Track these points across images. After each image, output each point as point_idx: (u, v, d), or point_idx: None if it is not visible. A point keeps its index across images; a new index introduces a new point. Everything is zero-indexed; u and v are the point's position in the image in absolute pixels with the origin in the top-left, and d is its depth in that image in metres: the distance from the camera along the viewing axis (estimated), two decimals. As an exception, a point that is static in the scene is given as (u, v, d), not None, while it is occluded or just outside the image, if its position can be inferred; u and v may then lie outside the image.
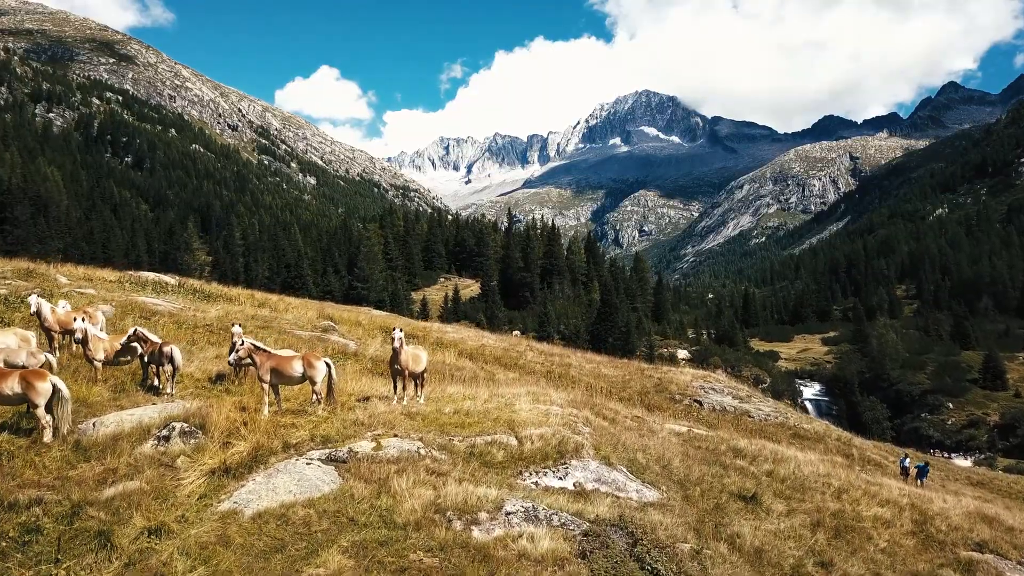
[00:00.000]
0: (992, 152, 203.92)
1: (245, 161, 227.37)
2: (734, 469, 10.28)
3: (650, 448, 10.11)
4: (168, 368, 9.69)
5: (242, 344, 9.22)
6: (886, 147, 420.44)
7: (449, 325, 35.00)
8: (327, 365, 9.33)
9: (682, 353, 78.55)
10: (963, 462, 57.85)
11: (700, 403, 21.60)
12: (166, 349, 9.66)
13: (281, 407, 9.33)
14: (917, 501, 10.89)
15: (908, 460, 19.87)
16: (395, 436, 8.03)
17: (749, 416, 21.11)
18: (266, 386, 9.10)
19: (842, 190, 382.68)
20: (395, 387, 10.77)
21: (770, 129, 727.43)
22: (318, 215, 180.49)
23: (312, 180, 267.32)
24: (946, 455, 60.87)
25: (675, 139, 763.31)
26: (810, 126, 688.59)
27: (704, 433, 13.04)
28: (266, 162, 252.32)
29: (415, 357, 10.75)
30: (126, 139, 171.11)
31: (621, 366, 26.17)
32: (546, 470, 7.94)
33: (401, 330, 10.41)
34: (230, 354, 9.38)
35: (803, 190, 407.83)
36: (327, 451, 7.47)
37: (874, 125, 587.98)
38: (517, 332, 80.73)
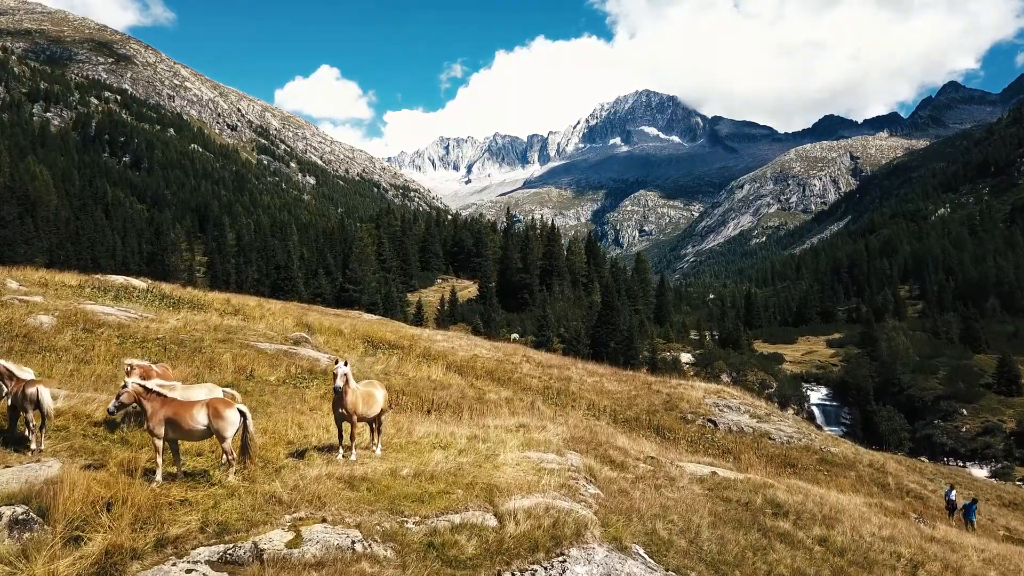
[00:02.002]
0: (994, 151, 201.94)
1: (244, 161, 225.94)
2: (778, 536, 8.06)
3: (671, 510, 7.89)
4: (34, 415, 7.40)
5: (125, 387, 6.91)
6: (887, 147, 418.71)
7: (440, 332, 32.81)
8: (241, 415, 7.00)
9: (685, 357, 76.29)
10: (979, 471, 55.60)
11: (715, 423, 19.39)
12: (30, 391, 7.33)
13: (180, 469, 7.04)
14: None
15: (954, 492, 17.68)
16: (323, 521, 5.77)
17: (770, 438, 18.89)
18: (158, 443, 6.80)
19: (843, 190, 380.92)
20: (340, 437, 8.44)
21: (770, 129, 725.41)
22: (317, 215, 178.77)
23: (311, 180, 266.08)
24: (961, 464, 58.67)
25: (675, 139, 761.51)
26: (810, 126, 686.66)
27: (731, 476, 10.84)
28: (265, 162, 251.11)
29: (367, 398, 8.42)
30: (124, 139, 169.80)
31: (626, 379, 23.93)
32: (535, 566, 5.71)
33: (346, 363, 8.11)
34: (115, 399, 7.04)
35: (804, 190, 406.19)
36: (221, 548, 5.22)
37: (875, 125, 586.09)
38: (515, 335, 78.46)
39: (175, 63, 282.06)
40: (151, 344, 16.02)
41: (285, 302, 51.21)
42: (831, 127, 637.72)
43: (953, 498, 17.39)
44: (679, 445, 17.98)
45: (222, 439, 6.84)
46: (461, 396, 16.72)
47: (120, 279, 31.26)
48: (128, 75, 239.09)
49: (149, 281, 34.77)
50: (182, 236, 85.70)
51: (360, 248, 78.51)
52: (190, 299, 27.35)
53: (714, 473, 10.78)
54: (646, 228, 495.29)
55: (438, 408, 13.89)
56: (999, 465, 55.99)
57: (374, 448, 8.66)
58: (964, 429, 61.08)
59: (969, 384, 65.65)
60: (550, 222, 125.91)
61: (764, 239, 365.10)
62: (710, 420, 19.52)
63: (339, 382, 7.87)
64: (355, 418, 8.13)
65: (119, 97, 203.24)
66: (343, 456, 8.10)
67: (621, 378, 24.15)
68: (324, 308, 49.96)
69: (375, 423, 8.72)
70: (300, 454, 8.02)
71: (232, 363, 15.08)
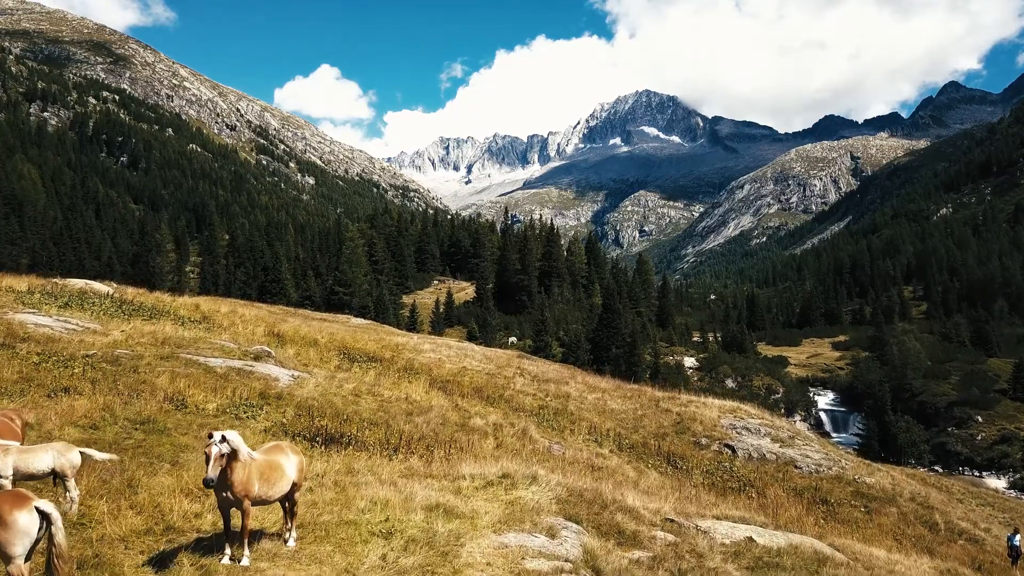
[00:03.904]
0: (996, 151, 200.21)
1: (243, 161, 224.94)
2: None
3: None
4: None
5: None
6: (887, 147, 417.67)
7: (429, 340, 30.44)
8: (42, 519, 4.58)
9: (689, 361, 73.98)
10: (996, 482, 53.30)
11: (732, 449, 17.07)
12: None
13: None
14: None
15: (1019, 537, 15.33)
16: None
17: (796, 467, 16.59)
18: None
19: (843, 190, 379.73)
20: (226, 530, 5.75)
21: (771, 129, 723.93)
22: (315, 215, 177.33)
23: (311, 180, 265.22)
24: (977, 474, 56.37)
25: (675, 139, 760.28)
26: (811, 126, 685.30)
27: (772, 544, 8.49)
28: (264, 162, 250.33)
29: (268, 472, 5.85)
30: (122, 139, 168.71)
31: (631, 396, 21.59)
32: None
33: (223, 438, 5.45)
34: None
35: (804, 190, 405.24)
36: None
37: (875, 125, 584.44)
38: (513, 339, 76.09)
39: (174, 63, 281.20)
40: (77, 363, 13.66)
41: (270, 306, 48.87)
42: (831, 127, 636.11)
43: (1017, 544, 15.06)
44: (693, 476, 15.65)
45: (7, 559, 4.42)
46: (441, 423, 14.37)
47: (81, 283, 28.88)
48: (127, 75, 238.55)
49: (115, 285, 32.37)
50: (168, 236, 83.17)
51: (351, 249, 75.84)
52: (153, 305, 24.94)
53: (751, 539, 8.46)
54: (646, 228, 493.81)
55: (408, 443, 11.55)
56: (1017, 476, 53.64)
57: (287, 537, 6.21)
58: (979, 437, 58.71)
59: (983, 390, 63.27)
60: (549, 222, 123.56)
61: (764, 239, 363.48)
62: (727, 445, 17.22)
63: (211, 473, 5.26)
64: (247, 503, 5.60)
65: (117, 97, 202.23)
66: (230, 559, 5.64)
67: (626, 394, 21.80)
68: (311, 312, 47.61)
69: (287, 502, 6.27)
70: (167, 558, 5.57)
71: (167, 386, 12.71)
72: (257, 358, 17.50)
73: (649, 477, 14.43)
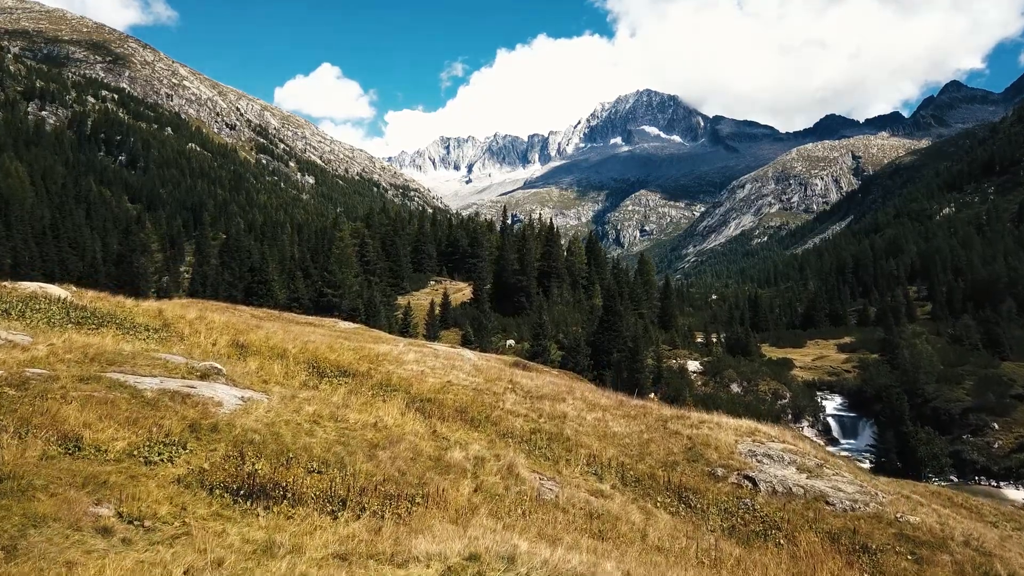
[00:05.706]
0: (999, 150, 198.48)
1: (243, 160, 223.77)
2: None
3: None
4: None
5: None
6: (888, 146, 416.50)
7: (415, 349, 28.13)
8: None
9: (692, 365, 71.64)
10: (1016, 493, 50.99)
11: (753, 481, 14.79)
12: None
13: None
14: None
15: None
16: None
17: (827, 503, 14.31)
18: None
19: (845, 190, 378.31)
20: None
21: (772, 128, 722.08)
22: (315, 215, 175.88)
23: (311, 179, 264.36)
24: (994, 484, 54.10)
25: (676, 138, 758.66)
26: (812, 125, 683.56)
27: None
28: (264, 161, 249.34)
29: None
30: (120, 137, 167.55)
31: (635, 415, 19.31)
32: None
33: None
34: None
35: (805, 189, 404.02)
36: None
37: (876, 124, 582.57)
38: (511, 342, 73.76)
39: (173, 62, 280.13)
40: (-29, 388, 11.33)
41: (254, 309, 46.44)
42: (833, 127, 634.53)
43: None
44: (709, 518, 13.35)
45: None
46: (412, 457, 12.05)
47: (33, 286, 26.47)
48: (126, 74, 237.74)
49: (74, 289, 29.98)
50: (153, 236, 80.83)
51: (341, 248, 73.43)
52: (108, 312, 22.53)
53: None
54: (647, 228, 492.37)
55: (361, 496, 9.23)
56: (1037, 486, 51.36)
57: None
58: (996, 445, 56.38)
59: (999, 395, 60.89)
60: (549, 221, 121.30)
61: (766, 239, 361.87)
62: (746, 476, 14.95)
63: None
64: None
65: (116, 96, 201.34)
66: None
67: (629, 412, 19.55)
68: (295, 316, 45.25)
69: None
70: None
71: (76, 417, 10.38)
72: (204, 376, 15.15)
73: (659, 521, 12.14)
